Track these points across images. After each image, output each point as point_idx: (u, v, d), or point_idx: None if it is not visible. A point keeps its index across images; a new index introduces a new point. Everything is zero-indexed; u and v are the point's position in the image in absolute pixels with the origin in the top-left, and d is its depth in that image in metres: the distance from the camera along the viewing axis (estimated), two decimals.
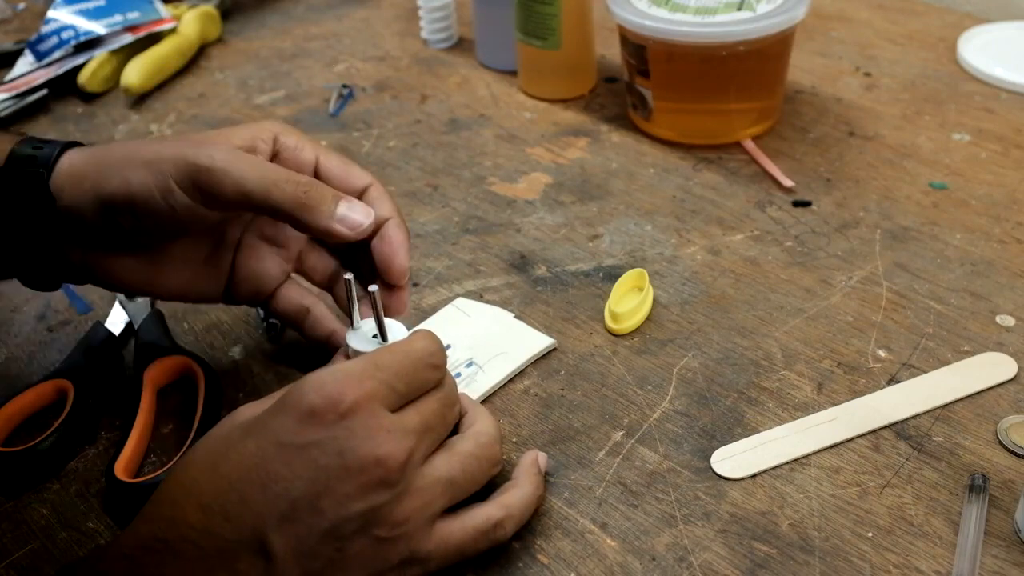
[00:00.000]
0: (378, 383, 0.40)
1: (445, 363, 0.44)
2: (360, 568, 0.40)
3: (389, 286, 0.50)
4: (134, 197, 0.46)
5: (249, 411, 0.42)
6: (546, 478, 0.49)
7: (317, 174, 0.51)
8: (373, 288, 0.45)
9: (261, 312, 0.61)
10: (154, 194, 0.45)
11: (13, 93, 0.88)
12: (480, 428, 0.45)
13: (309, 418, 0.39)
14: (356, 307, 0.48)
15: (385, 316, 0.47)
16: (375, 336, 0.47)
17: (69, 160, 0.47)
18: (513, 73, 0.87)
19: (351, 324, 0.48)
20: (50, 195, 0.47)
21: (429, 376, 0.43)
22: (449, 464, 0.42)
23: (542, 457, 0.48)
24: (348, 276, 0.47)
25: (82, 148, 0.49)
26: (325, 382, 0.40)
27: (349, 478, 0.39)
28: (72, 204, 0.47)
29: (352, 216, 0.47)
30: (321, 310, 0.54)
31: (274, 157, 0.50)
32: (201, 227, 0.48)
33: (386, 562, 0.40)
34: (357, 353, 0.47)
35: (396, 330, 0.48)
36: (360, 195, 0.51)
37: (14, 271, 0.50)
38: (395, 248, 0.50)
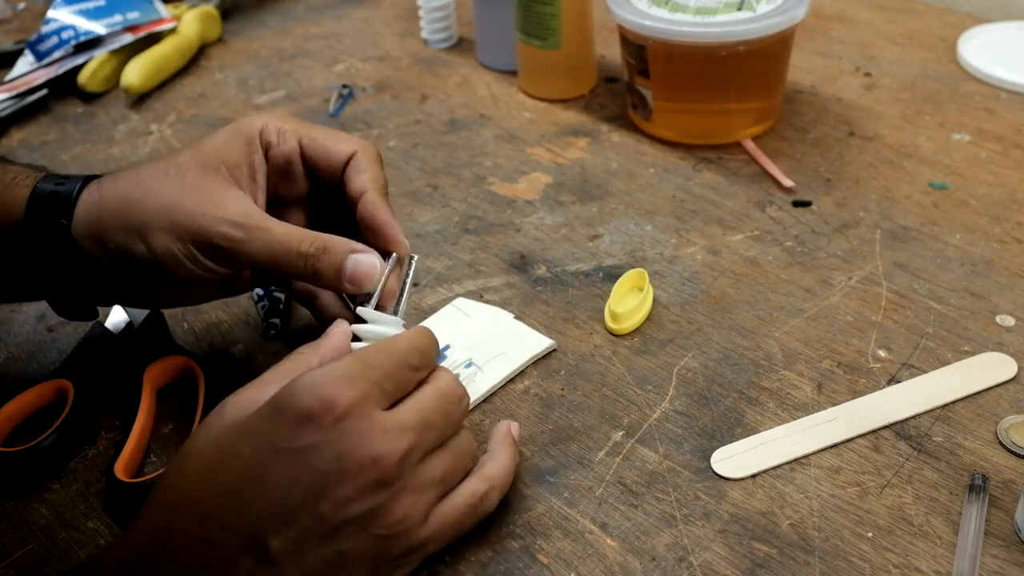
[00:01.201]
0: (370, 383, 0.40)
1: (430, 360, 0.44)
2: (360, 565, 0.40)
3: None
4: (160, 261, 0.48)
5: (236, 408, 0.42)
6: (545, 478, 0.49)
7: (303, 158, 0.52)
8: (415, 257, 0.50)
9: (261, 312, 0.61)
10: (181, 261, 0.48)
11: (13, 93, 0.88)
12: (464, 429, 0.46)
13: (304, 422, 0.39)
14: (382, 285, 0.49)
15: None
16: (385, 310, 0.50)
17: (86, 211, 0.48)
18: (513, 73, 0.87)
19: (370, 299, 0.50)
20: (74, 243, 0.48)
21: (415, 374, 0.43)
22: (443, 462, 0.42)
23: (514, 426, 0.48)
24: (390, 259, 0.50)
25: (95, 193, 0.49)
26: (319, 384, 0.39)
27: (347, 481, 0.39)
28: (94, 253, 0.48)
29: (359, 272, 0.48)
30: (328, 297, 0.54)
31: (266, 153, 0.51)
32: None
33: (386, 556, 0.40)
34: (371, 317, 0.48)
35: (391, 324, 0.49)
36: (345, 166, 0.51)
37: (45, 299, 0.52)
38: (387, 230, 0.50)
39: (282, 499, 0.38)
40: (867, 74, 0.84)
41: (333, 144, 0.52)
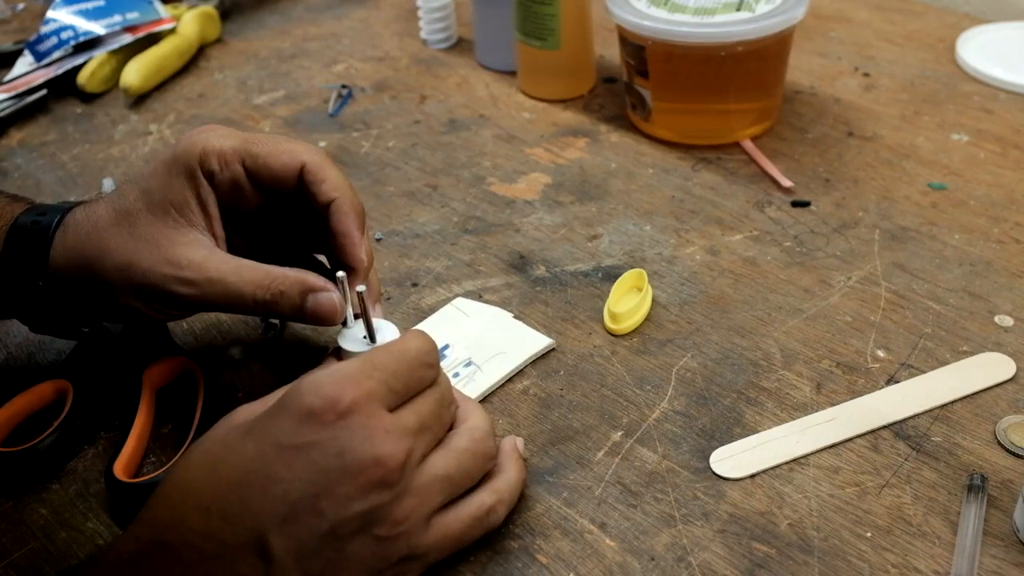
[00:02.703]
0: (376, 383, 0.40)
1: (438, 361, 0.44)
2: (360, 567, 0.40)
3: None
4: (129, 313, 0.49)
5: (246, 413, 0.42)
6: (544, 478, 0.49)
7: (247, 173, 0.50)
8: (360, 288, 0.46)
9: None
10: (147, 312, 0.49)
11: (12, 93, 0.88)
12: (473, 423, 0.45)
13: (308, 419, 0.39)
14: (349, 306, 0.48)
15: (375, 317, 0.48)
16: (365, 337, 0.48)
17: (59, 253, 0.49)
18: (512, 73, 0.87)
19: (344, 324, 0.49)
20: (53, 278, 0.49)
21: (424, 375, 0.43)
22: (446, 462, 0.42)
23: (519, 441, 0.48)
24: (340, 275, 0.47)
25: (63, 236, 0.49)
26: (323, 383, 0.40)
27: (349, 479, 0.39)
28: (70, 289, 0.50)
29: (320, 310, 0.48)
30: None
31: (210, 180, 0.50)
32: None
33: (386, 560, 0.40)
34: (348, 354, 0.47)
35: (387, 330, 0.48)
36: (295, 178, 0.50)
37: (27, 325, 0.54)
38: (344, 240, 0.49)
39: (283, 494, 0.38)
40: (866, 74, 0.84)
41: (276, 160, 0.50)
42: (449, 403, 0.44)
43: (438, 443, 0.43)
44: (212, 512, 0.38)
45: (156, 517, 0.40)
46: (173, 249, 0.48)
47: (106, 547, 0.41)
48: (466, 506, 0.43)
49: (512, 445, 0.47)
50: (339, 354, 0.49)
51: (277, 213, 0.53)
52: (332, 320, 0.48)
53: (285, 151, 0.50)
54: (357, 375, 0.40)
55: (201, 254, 0.48)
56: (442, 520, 0.42)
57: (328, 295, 0.48)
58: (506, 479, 0.45)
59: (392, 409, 0.41)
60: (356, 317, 0.49)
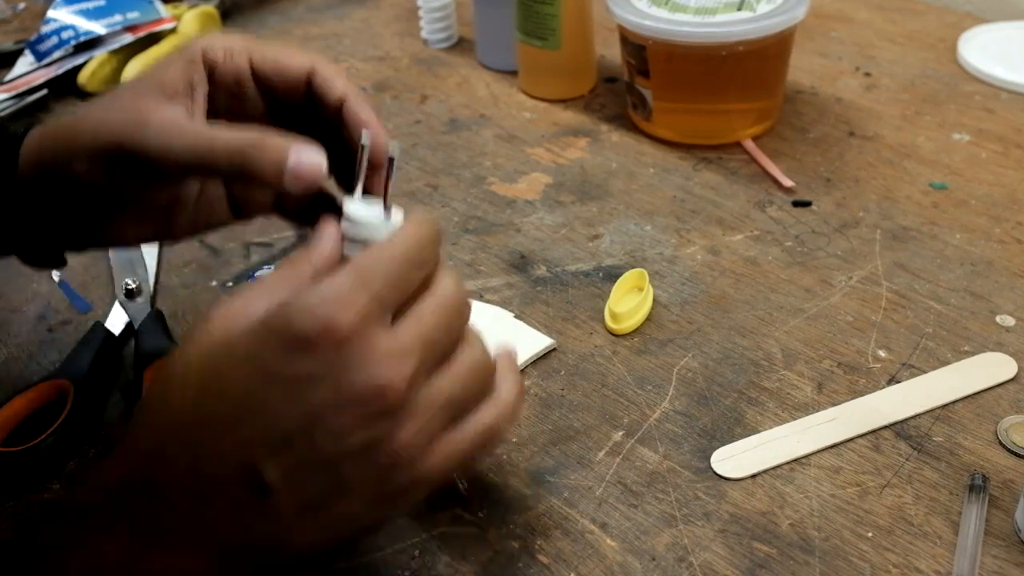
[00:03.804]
0: (369, 299, 0.36)
1: (437, 254, 0.40)
2: (361, 495, 0.37)
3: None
4: (90, 182, 0.46)
5: (225, 319, 0.38)
6: (545, 478, 0.49)
7: (256, 77, 0.48)
8: (395, 151, 0.42)
9: None
10: (106, 178, 0.46)
11: (13, 93, 0.88)
12: (475, 334, 0.42)
13: (300, 349, 0.35)
14: (363, 172, 0.44)
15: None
16: (382, 207, 0.43)
17: (30, 143, 0.48)
18: (513, 73, 0.87)
19: (352, 192, 0.44)
20: (17, 175, 0.47)
21: (417, 275, 0.39)
22: (452, 384, 0.39)
23: (514, 351, 0.45)
24: (364, 142, 0.44)
25: (40, 127, 0.48)
26: (314, 306, 0.36)
27: (346, 410, 0.36)
28: (38, 186, 0.47)
29: (304, 164, 0.43)
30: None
31: (212, 73, 0.48)
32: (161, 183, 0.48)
33: (388, 486, 0.38)
34: (355, 224, 0.42)
35: (393, 212, 0.44)
36: (305, 81, 0.48)
37: (9, 248, 0.50)
38: (365, 128, 0.46)
39: (276, 426, 0.36)
40: (867, 74, 0.84)
41: (288, 59, 0.47)
42: (459, 308, 0.40)
43: (447, 356, 0.40)
44: (200, 446, 0.36)
45: (140, 454, 0.37)
46: (148, 113, 0.45)
47: (85, 486, 0.38)
48: (470, 426, 0.40)
49: (507, 355, 0.44)
50: (343, 225, 0.43)
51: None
52: (315, 181, 0.43)
53: (296, 52, 0.48)
54: (349, 296, 0.36)
55: (176, 114, 0.45)
56: (446, 443, 0.39)
57: (317, 148, 0.43)
58: (506, 394, 0.42)
59: (390, 320, 0.38)
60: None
